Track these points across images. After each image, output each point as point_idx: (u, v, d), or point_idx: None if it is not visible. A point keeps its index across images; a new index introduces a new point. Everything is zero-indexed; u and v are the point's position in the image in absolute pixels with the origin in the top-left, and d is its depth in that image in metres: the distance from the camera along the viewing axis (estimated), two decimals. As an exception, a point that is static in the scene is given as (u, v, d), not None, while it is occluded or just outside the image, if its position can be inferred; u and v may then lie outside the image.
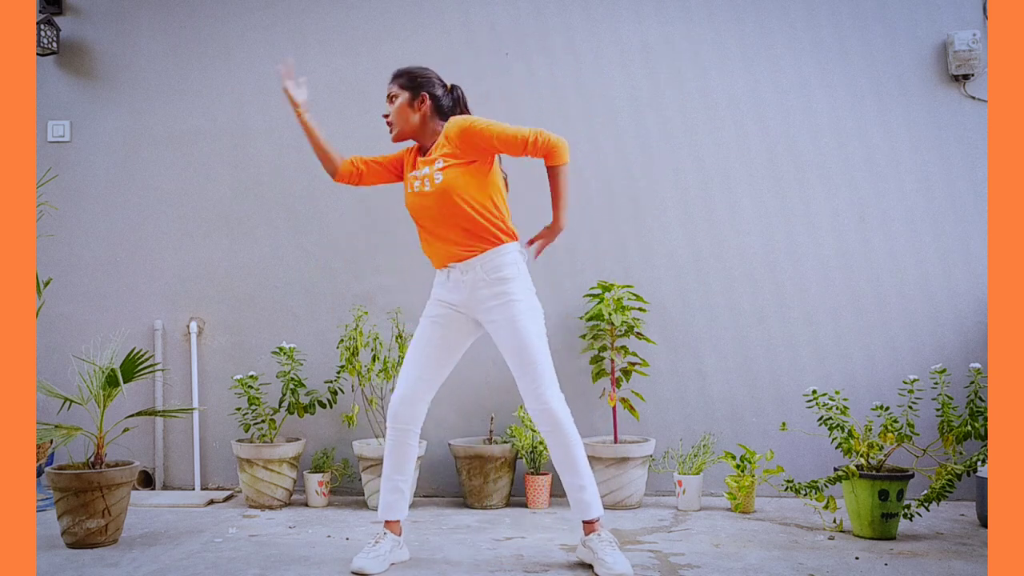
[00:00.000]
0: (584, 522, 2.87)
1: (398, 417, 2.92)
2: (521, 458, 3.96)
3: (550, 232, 2.90)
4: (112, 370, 3.27)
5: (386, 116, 2.98)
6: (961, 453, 3.39)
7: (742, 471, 3.75)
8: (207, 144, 4.41)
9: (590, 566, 2.82)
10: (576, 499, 2.85)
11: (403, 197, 3.00)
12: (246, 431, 4.00)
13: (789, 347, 4.15)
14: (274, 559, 2.97)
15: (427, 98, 2.92)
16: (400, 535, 2.94)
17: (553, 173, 2.82)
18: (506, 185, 2.95)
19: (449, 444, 4.04)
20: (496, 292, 2.81)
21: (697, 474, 3.83)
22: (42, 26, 4.32)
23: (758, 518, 3.64)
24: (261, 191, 4.38)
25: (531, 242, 2.92)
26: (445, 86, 2.98)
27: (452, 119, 2.87)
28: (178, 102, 4.44)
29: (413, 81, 2.94)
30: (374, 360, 3.93)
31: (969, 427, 3.31)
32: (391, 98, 2.96)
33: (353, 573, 2.78)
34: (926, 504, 3.29)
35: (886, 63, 4.20)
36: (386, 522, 2.93)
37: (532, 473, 3.92)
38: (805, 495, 3.44)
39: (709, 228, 4.22)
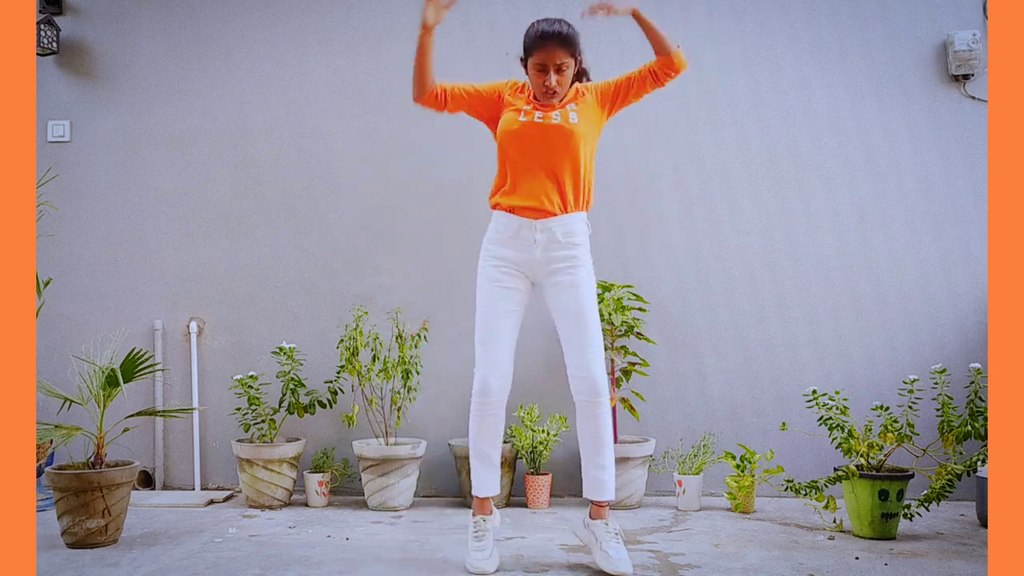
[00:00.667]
0: (593, 503, 2.86)
1: (494, 390, 2.84)
2: (521, 458, 3.96)
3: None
4: (112, 370, 3.27)
5: (549, 87, 2.79)
6: (961, 453, 3.39)
7: (742, 471, 3.75)
8: (207, 144, 4.41)
9: (589, 558, 2.81)
10: (593, 477, 2.83)
11: (496, 133, 2.91)
12: (246, 431, 4.00)
13: (789, 347, 4.15)
14: (274, 559, 2.97)
15: (582, 61, 2.91)
16: (494, 516, 2.93)
17: (669, 42, 2.88)
18: None
19: (449, 444, 4.04)
20: (567, 255, 2.83)
21: (697, 474, 3.83)
22: (42, 26, 4.32)
23: (758, 518, 3.64)
24: (261, 191, 4.38)
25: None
26: None
27: (585, 84, 2.91)
28: (178, 102, 4.44)
29: (578, 48, 2.85)
30: (374, 360, 3.93)
31: (969, 427, 3.31)
32: (560, 67, 2.79)
33: (470, 574, 2.76)
34: (926, 504, 3.29)
35: (886, 63, 4.20)
36: (480, 502, 2.90)
37: (532, 473, 3.92)
38: (805, 495, 3.44)
39: (709, 228, 4.22)
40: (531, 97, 2.89)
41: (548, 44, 2.76)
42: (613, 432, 3.93)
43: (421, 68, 2.90)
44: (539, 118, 2.82)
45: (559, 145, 2.81)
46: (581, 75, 2.98)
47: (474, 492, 2.93)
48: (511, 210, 2.87)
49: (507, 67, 4.33)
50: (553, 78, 2.78)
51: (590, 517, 2.88)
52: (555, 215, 2.83)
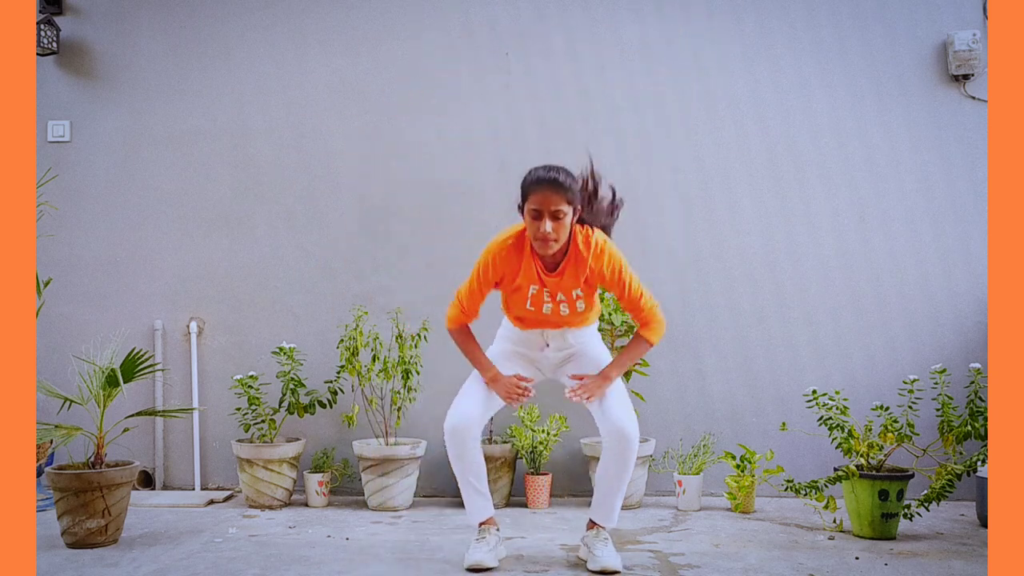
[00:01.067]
0: (591, 520, 2.93)
1: (460, 431, 2.84)
2: (521, 458, 3.96)
3: (599, 379, 2.84)
4: (112, 370, 3.27)
5: (545, 235, 2.67)
6: (961, 453, 3.39)
7: (742, 471, 3.75)
8: (207, 144, 4.41)
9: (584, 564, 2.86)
10: (602, 502, 2.89)
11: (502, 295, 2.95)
12: (246, 431, 4.00)
13: (789, 347, 4.15)
14: (274, 559, 2.97)
15: (580, 211, 2.79)
16: (499, 529, 2.98)
17: (638, 340, 2.89)
18: None
19: (449, 444, 4.04)
20: (575, 344, 2.95)
21: (697, 474, 3.82)
22: (42, 26, 4.32)
23: (758, 518, 3.64)
24: (261, 191, 4.38)
25: (575, 389, 2.84)
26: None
27: (598, 242, 2.77)
28: (178, 102, 4.44)
29: (575, 196, 2.72)
30: (374, 360, 3.92)
31: (969, 427, 3.31)
32: (555, 214, 2.66)
33: (469, 569, 2.81)
34: (926, 504, 3.29)
35: (886, 63, 4.20)
36: (483, 522, 2.95)
37: (532, 473, 3.92)
38: (805, 495, 3.44)
39: (709, 228, 4.22)
40: (537, 272, 2.81)
41: (543, 189, 2.65)
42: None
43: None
44: (547, 309, 2.84)
45: (557, 322, 2.90)
46: (613, 210, 2.90)
47: (470, 519, 2.97)
48: (520, 324, 2.96)
49: (507, 67, 4.34)
50: (548, 224, 2.66)
51: (585, 530, 2.95)
52: (566, 328, 2.93)
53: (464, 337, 2.94)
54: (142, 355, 3.38)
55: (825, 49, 4.23)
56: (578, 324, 2.94)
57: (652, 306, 2.86)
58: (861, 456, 3.34)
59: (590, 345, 2.98)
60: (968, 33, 4.07)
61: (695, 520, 3.60)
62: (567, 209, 2.67)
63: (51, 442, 3.50)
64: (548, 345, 2.94)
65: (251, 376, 4.00)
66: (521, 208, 2.75)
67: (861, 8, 4.23)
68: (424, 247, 4.28)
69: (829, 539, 3.25)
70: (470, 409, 2.85)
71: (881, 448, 3.34)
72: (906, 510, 3.32)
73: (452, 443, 2.84)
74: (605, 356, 2.97)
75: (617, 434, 2.78)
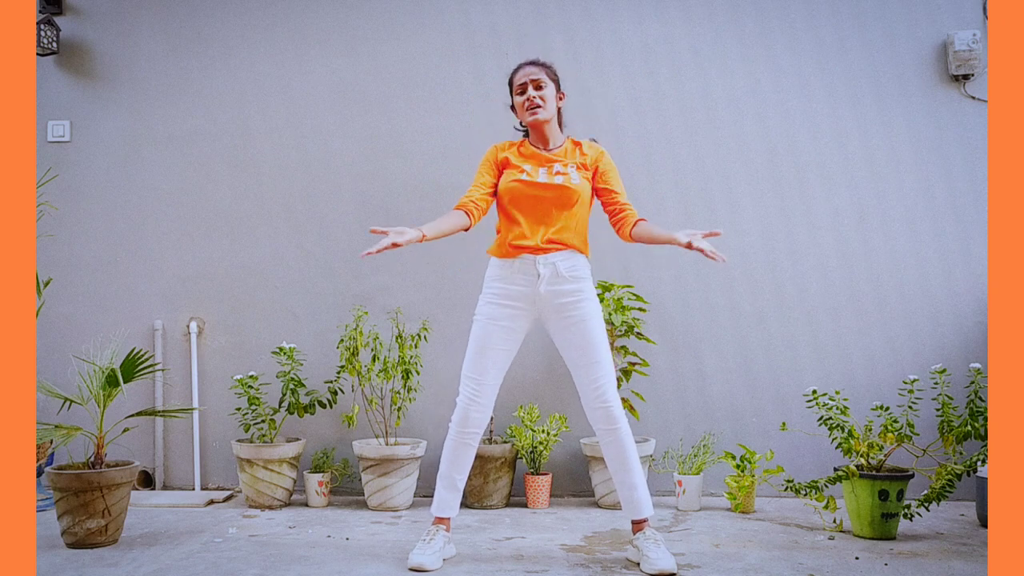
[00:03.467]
0: (633, 522, 2.94)
1: (472, 423, 2.92)
2: (521, 458, 3.96)
3: (695, 238, 2.81)
4: (112, 370, 3.27)
5: (531, 99, 2.95)
6: (961, 453, 3.39)
7: (742, 471, 3.75)
8: (207, 144, 4.41)
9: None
10: (627, 497, 2.92)
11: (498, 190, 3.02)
12: (246, 431, 4.00)
13: (789, 347, 4.16)
14: (274, 559, 2.97)
15: (563, 97, 3.09)
16: (449, 531, 3.00)
17: (644, 229, 2.97)
18: None
19: (449, 444, 4.04)
20: (572, 289, 2.90)
21: (697, 474, 3.83)
22: (42, 26, 4.32)
23: (758, 518, 3.64)
24: (261, 191, 4.38)
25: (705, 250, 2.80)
26: None
27: (590, 142, 3.07)
28: (178, 102, 4.44)
29: (556, 76, 3.06)
30: (374, 360, 3.92)
31: (969, 427, 3.31)
32: (538, 84, 2.97)
33: (411, 570, 2.81)
34: (926, 504, 3.29)
35: (886, 63, 4.20)
36: (438, 519, 2.98)
37: (532, 473, 3.92)
38: (805, 495, 3.44)
39: (709, 228, 4.21)
40: (531, 151, 3.03)
41: (525, 67, 3.03)
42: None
43: (446, 233, 3.00)
44: (543, 178, 2.94)
45: (554, 202, 2.93)
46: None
47: (434, 511, 2.99)
48: (511, 251, 2.93)
49: (507, 67, 4.33)
50: (532, 91, 2.96)
51: (632, 533, 2.95)
52: (557, 251, 2.92)
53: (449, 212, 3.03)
54: (142, 355, 3.38)
55: (825, 49, 4.23)
56: (570, 236, 2.93)
57: (629, 203, 3.04)
58: (861, 456, 3.34)
59: (584, 294, 2.92)
60: (968, 33, 4.07)
61: (695, 520, 3.60)
62: (547, 80, 2.99)
63: (51, 442, 3.50)
64: (539, 275, 2.89)
65: (251, 376, 4.00)
66: (512, 106, 3.06)
67: (861, 8, 4.23)
68: (424, 247, 4.27)
69: (829, 539, 3.25)
70: (485, 398, 2.92)
71: (881, 448, 3.34)
72: (906, 510, 3.32)
73: (461, 430, 2.93)
74: (598, 311, 2.94)
75: (597, 411, 2.87)
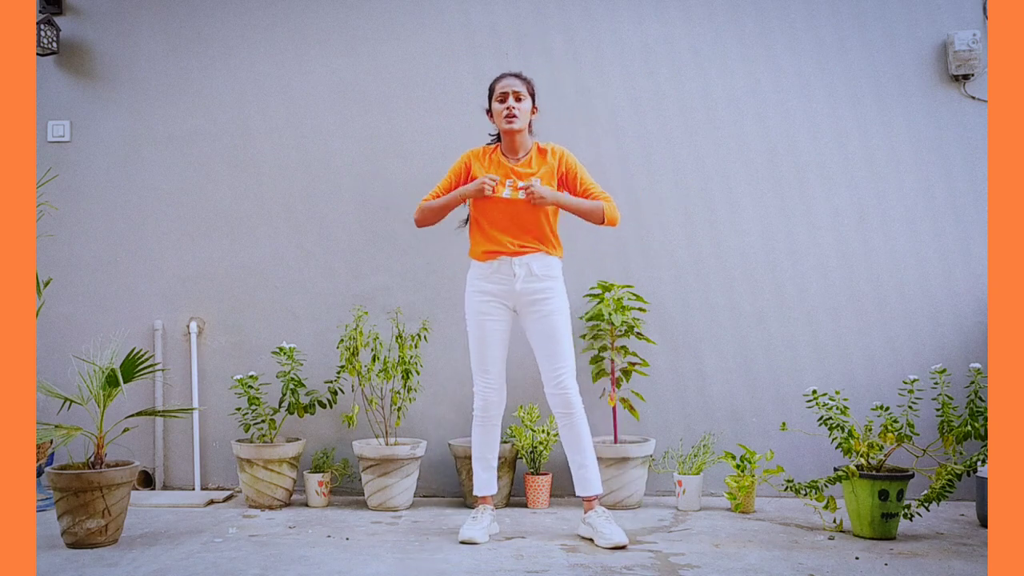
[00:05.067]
0: (585, 499, 3.26)
1: (493, 406, 3.31)
2: (521, 458, 3.96)
3: (547, 186, 3.24)
4: (112, 370, 3.27)
5: (510, 109, 3.24)
6: (961, 453, 3.39)
7: (742, 471, 3.75)
8: (207, 144, 4.41)
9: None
10: (579, 476, 3.26)
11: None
12: (246, 431, 4.00)
13: (789, 347, 4.16)
14: (274, 559, 2.97)
15: (536, 111, 3.39)
16: (495, 508, 3.38)
17: (596, 201, 3.27)
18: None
19: (449, 444, 4.04)
20: (544, 288, 3.25)
21: (697, 474, 3.82)
22: (42, 26, 4.32)
23: (758, 518, 3.64)
24: (261, 191, 4.38)
25: (524, 187, 3.20)
26: None
27: (553, 145, 3.37)
28: (178, 102, 4.44)
29: (534, 91, 3.36)
30: (374, 360, 3.92)
31: (969, 427, 3.31)
32: (518, 96, 3.26)
33: (462, 543, 3.14)
34: (926, 504, 3.29)
35: (886, 63, 4.20)
36: (481, 498, 3.34)
37: (532, 473, 3.92)
38: (805, 495, 3.44)
39: (709, 228, 4.22)
40: (498, 161, 3.32)
41: (507, 78, 3.31)
42: (613, 432, 3.96)
43: (440, 217, 3.36)
44: (508, 194, 3.21)
45: (524, 216, 3.24)
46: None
47: (476, 492, 3.36)
48: (488, 254, 3.27)
49: (507, 67, 4.33)
50: (512, 101, 3.25)
51: (584, 512, 3.26)
52: (531, 252, 3.26)
53: (427, 205, 3.33)
54: (142, 355, 3.38)
55: (825, 49, 4.23)
56: (540, 240, 3.26)
57: (608, 196, 3.32)
58: (861, 456, 3.34)
59: (555, 291, 3.26)
60: (968, 33, 4.07)
61: (695, 520, 3.60)
62: (526, 95, 3.28)
63: (51, 442, 3.50)
64: (515, 275, 3.23)
65: (251, 376, 4.00)
66: (488, 110, 3.35)
67: (861, 8, 4.23)
68: (424, 247, 4.28)
69: (829, 539, 3.25)
70: (497, 382, 3.29)
71: (881, 448, 3.34)
72: (906, 510, 3.32)
73: (484, 415, 3.30)
74: (566, 307, 3.29)
75: (556, 398, 3.22)
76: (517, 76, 3.32)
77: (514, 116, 3.23)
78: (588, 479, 3.24)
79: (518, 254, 3.24)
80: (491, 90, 3.34)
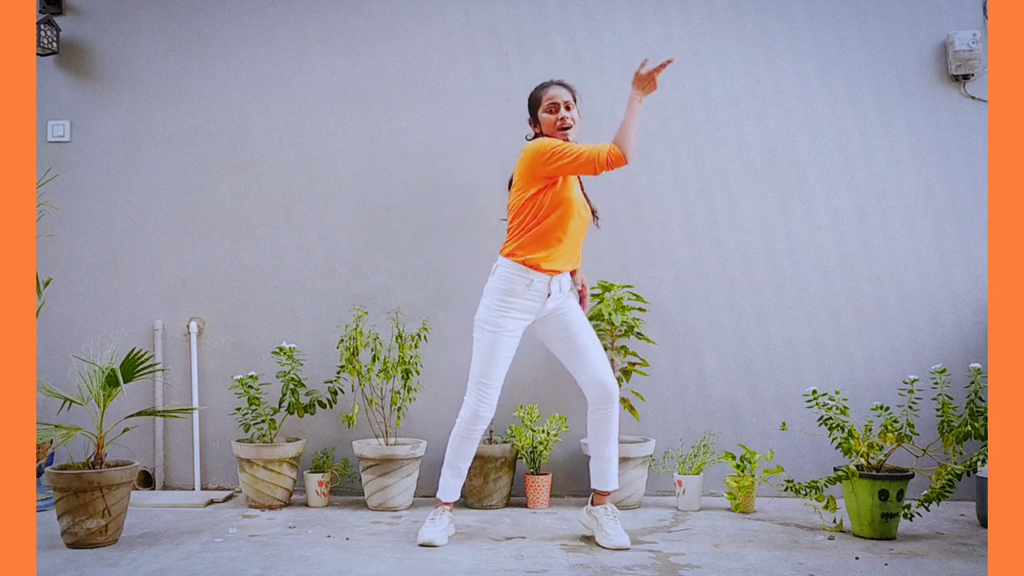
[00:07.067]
0: (598, 493, 3.25)
1: (482, 421, 3.19)
2: (521, 458, 3.96)
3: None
4: (112, 370, 3.27)
5: (564, 120, 3.17)
6: (961, 453, 3.39)
7: (742, 471, 3.75)
8: (207, 144, 4.41)
9: (590, 541, 3.02)
10: (602, 469, 3.24)
11: (546, 194, 3.15)
12: (246, 431, 4.00)
13: (789, 347, 4.15)
14: (274, 559, 2.97)
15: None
16: (452, 513, 3.32)
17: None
18: None
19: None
20: (565, 298, 3.26)
21: (697, 474, 3.82)
22: (42, 26, 4.32)
23: (758, 518, 3.64)
24: (261, 191, 4.38)
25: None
26: None
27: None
28: (178, 102, 4.44)
29: (576, 95, 3.28)
30: (374, 360, 3.92)
31: (969, 427, 3.31)
32: (568, 105, 3.20)
33: (421, 545, 3.12)
34: (926, 504, 3.29)
35: (886, 63, 4.20)
36: (443, 502, 3.29)
37: (532, 473, 3.92)
38: (805, 495, 3.44)
39: (709, 228, 4.22)
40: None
41: (556, 87, 3.23)
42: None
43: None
44: (584, 213, 3.23)
45: (584, 229, 3.27)
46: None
47: (441, 496, 3.30)
48: (535, 267, 3.13)
49: (507, 67, 4.34)
50: (564, 111, 3.18)
51: (592, 504, 3.25)
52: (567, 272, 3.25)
53: (627, 135, 3.05)
54: (142, 355, 3.38)
55: (825, 49, 4.23)
56: (578, 257, 3.29)
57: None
58: (861, 456, 3.34)
59: (570, 299, 3.28)
60: (968, 33, 4.07)
61: (695, 520, 3.60)
62: (573, 100, 3.22)
63: (51, 442, 3.50)
64: (550, 293, 3.16)
65: (251, 376, 4.00)
66: (532, 120, 3.27)
67: (861, 8, 4.23)
68: (424, 247, 4.28)
69: (829, 539, 3.25)
70: (493, 397, 3.18)
71: (881, 448, 3.34)
72: (906, 510, 3.32)
73: (470, 427, 3.19)
74: (581, 311, 3.32)
75: (600, 389, 3.18)
76: (562, 84, 3.25)
77: (570, 126, 3.19)
78: (610, 472, 3.24)
79: (558, 272, 3.19)
80: (535, 99, 3.25)
